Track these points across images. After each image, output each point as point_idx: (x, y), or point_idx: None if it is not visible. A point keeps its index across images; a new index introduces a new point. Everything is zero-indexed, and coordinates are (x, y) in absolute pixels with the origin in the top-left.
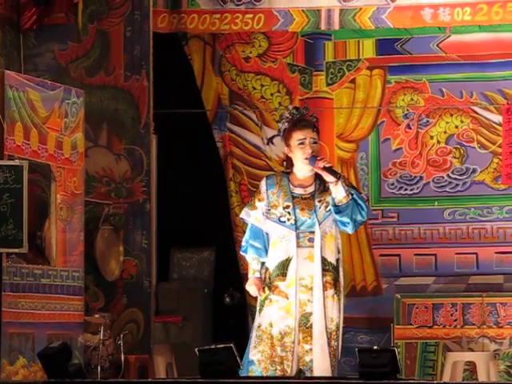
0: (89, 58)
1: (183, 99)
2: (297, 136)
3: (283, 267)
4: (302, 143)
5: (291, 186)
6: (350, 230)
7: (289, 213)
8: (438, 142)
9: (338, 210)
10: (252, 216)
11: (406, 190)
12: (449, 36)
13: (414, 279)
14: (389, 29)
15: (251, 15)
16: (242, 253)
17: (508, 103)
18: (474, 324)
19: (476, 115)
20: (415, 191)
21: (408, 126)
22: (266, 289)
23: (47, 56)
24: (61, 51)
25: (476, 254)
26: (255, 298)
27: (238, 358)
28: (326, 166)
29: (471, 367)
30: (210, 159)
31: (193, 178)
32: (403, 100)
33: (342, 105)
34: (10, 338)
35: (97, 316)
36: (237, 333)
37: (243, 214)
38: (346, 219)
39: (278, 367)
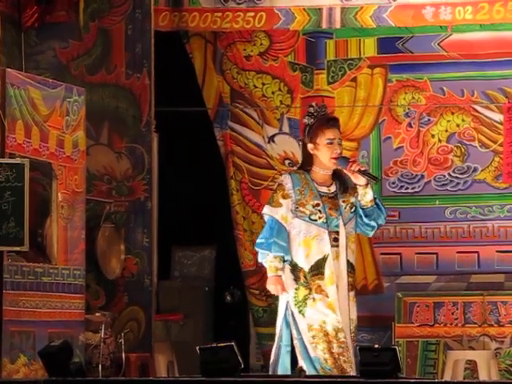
0: (90, 56)
1: (184, 97)
2: (327, 135)
3: (320, 266)
4: (331, 143)
5: (315, 184)
6: (371, 233)
7: (319, 211)
8: (439, 140)
9: (366, 213)
10: (278, 213)
11: (407, 188)
12: (450, 35)
13: (415, 278)
14: (390, 27)
15: (252, 13)
16: (262, 250)
17: (509, 102)
18: (475, 323)
19: (477, 114)
20: (416, 190)
21: (409, 125)
22: (305, 289)
23: (48, 54)
24: (62, 49)
25: (477, 252)
26: (256, 297)
27: (239, 356)
28: (362, 169)
29: (472, 366)
30: (211, 157)
31: (194, 177)
32: (404, 99)
33: (344, 103)
34: (10, 336)
35: (98, 314)
36: (238, 331)
37: (267, 211)
38: (373, 223)
39: (337, 363)
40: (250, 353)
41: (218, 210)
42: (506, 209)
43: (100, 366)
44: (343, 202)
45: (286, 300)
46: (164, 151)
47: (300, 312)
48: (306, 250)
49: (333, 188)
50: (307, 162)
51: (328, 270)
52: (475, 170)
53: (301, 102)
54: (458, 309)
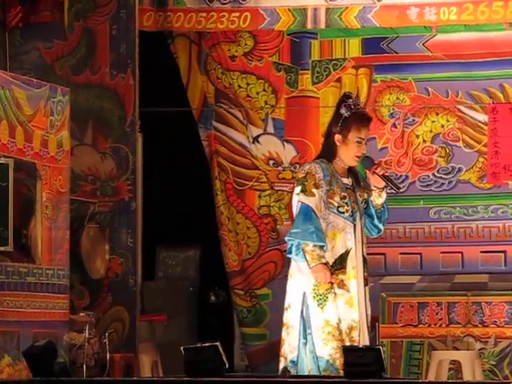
0: (74, 57)
1: (169, 98)
2: (359, 133)
3: (343, 260)
4: (360, 141)
5: (339, 176)
6: (376, 234)
7: (346, 203)
8: (424, 141)
9: (377, 214)
10: (312, 202)
11: (391, 188)
12: (435, 35)
13: (399, 278)
14: (375, 28)
15: (237, 14)
16: (301, 240)
17: (493, 102)
18: (459, 323)
19: (462, 114)
20: (401, 190)
21: (394, 125)
22: (327, 282)
23: (33, 54)
24: (46, 49)
25: (461, 253)
26: (240, 297)
27: (223, 356)
28: (386, 174)
29: (456, 366)
30: (195, 158)
31: (178, 177)
32: (389, 99)
33: (328, 104)
34: None
35: (82, 314)
36: (222, 331)
37: (302, 199)
38: (381, 225)
39: None
40: (234, 353)
41: (203, 210)
42: (490, 209)
43: (84, 366)
44: (359, 195)
45: (301, 293)
46: (148, 151)
47: (319, 306)
48: (331, 243)
49: (350, 181)
50: (331, 153)
51: (350, 264)
52: (460, 170)
53: (285, 102)
54: (442, 309)
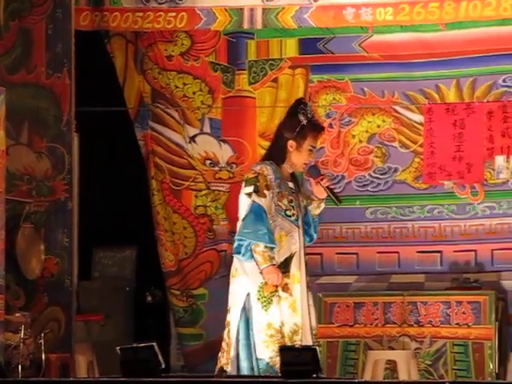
0: (10, 56)
1: (105, 97)
2: (314, 141)
3: (288, 264)
4: (312, 150)
5: (286, 180)
6: (308, 242)
7: (293, 207)
8: (360, 141)
9: (313, 224)
10: (265, 204)
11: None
12: (371, 36)
13: (335, 278)
14: (311, 28)
15: (174, 14)
16: (253, 241)
17: (429, 103)
18: (394, 323)
19: (398, 115)
20: (337, 190)
21: (330, 125)
22: (272, 285)
23: None
24: None
25: (397, 253)
26: (177, 298)
27: (159, 356)
28: (331, 186)
29: (392, 366)
30: (131, 158)
31: (115, 177)
32: (325, 99)
33: (265, 104)
34: None
35: (17, 315)
36: (158, 331)
37: (255, 199)
38: (315, 235)
39: None
40: (170, 353)
41: (139, 210)
42: (426, 209)
43: (20, 367)
44: (301, 201)
45: (245, 294)
46: (85, 151)
47: (263, 308)
48: (278, 246)
49: (293, 186)
50: (281, 157)
51: (294, 267)
52: (396, 170)
53: (222, 102)
54: (378, 309)
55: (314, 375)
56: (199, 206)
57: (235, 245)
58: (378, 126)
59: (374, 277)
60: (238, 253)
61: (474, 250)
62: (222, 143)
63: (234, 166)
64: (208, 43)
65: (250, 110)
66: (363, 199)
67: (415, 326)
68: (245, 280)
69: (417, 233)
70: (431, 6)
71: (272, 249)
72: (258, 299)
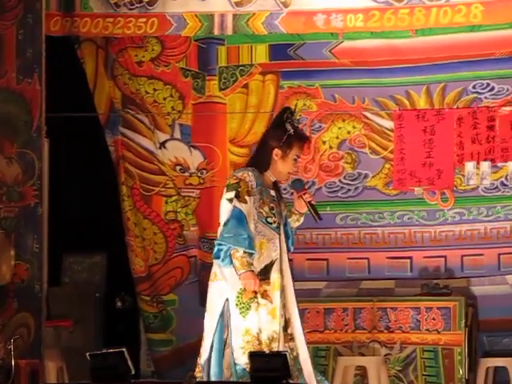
0: None
1: (76, 103)
2: (300, 151)
3: (268, 271)
4: (296, 159)
5: (267, 188)
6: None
7: (274, 214)
8: (330, 147)
9: (292, 235)
10: (246, 210)
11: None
12: (341, 42)
13: (305, 284)
14: (282, 34)
15: (144, 19)
16: (233, 246)
17: (400, 109)
18: (364, 329)
19: (368, 121)
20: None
21: None
22: (251, 291)
23: None
24: None
25: (367, 259)
26: (147, 303)
27: (129, 362)
28: (312, 202)
29: (362, 372)
30: (102, 163)
31: (85, 182)
32: (296, 105)
33: (235, 110)
34: None
35: None
36: (128, 337)
37: (237, 204)
38: (292, 247)
39: None
40: (140, 359)
41: (109, 216)
42: (396, 215)
43: None
44: (282, 210)
45: (224, 299)
46: (55, 157)
47: (241, 314)
48: (258, 253)
49: (275, 194)
50: (265, 165)
51: (274, 274)
52: (366, 176)
53: (192, 108)
54: (348, 315)
55: (284, 381)
56: (169, 211)
57: (215, 249)
58: (349, 132)
59: (344, 283)
60: (217, 257)
61: (444, 256)
62: (192, 149)
63: (205, 171)
64: (178, 49)
65: (220, 116)
66: (333, 205)
67: (385, 332)
68: (224, 285)
69: (387, 239)
70: (401, 12)
71: (251, 255)
72: (237, 305)
